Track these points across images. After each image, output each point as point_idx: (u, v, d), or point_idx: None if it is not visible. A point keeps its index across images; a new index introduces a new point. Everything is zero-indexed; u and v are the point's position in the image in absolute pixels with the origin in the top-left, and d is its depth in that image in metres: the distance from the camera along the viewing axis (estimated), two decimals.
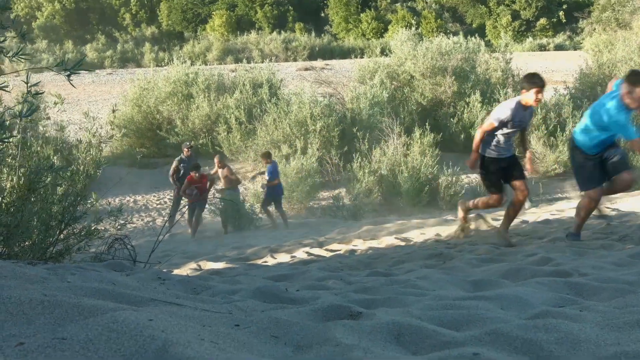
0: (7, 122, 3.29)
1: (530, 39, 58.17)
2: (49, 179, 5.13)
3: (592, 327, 2.46)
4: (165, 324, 1.87)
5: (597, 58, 19.62)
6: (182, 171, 13.63)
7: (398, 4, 68.80)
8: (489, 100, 17.32)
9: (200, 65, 23.83)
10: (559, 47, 55.46)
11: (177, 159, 14.04)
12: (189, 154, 13.85)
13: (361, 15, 65.46)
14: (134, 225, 14.48)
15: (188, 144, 14.28)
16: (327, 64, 41.44)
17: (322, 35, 60.04)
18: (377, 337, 2.39)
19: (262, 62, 23.66)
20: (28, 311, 1.92)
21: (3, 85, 3.62)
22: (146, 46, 54.70)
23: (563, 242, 6.77)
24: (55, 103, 5.60)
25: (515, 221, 9.51)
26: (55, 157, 5.47)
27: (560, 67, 34.34)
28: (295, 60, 49.81)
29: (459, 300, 3.40)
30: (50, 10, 67.22)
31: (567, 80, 21.58)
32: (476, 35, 22.90)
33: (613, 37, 23.01)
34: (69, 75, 3.24)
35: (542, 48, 55.11)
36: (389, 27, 60.16)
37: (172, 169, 13.93)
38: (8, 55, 3.50)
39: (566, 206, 10.97)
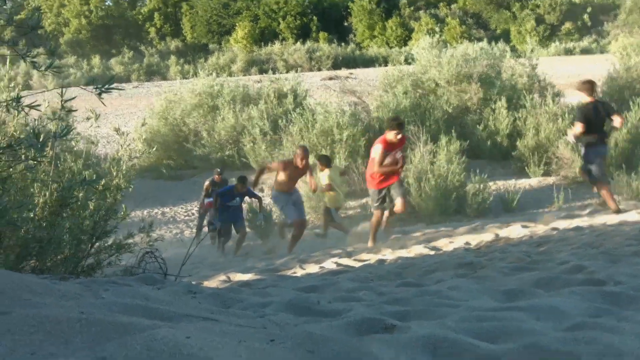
0: (42, 140, 3.32)
1: (556, 43, 57.71)
2: (81, 193, 5.18)
3: (632, 339, 2.42)
4: (202, 342, 1.87)
5: (625, 61, 19.38)
6: (212, 193, 13.75)
7: (421, 11, 68.71)
8: (515, 106, 17.18)
9: (225, 76, 23.97)
10: (585, 51, 54.94)
11: (209, 179, 14.19)
12: (219, 180, 14.03)
13: (387, 22, 65.50)
14: (162, 237, 14.57)
15: (219, 170, 14.45)
16: (351, 73, 41.46)
17: (346, 44, 60.12)
18: (413, 352, 2.37)
19: (287, 72, 23.74)
20: (65, 330, 1.93)
21: (34, 103, 3.67)
22: (171, 59, 55.19)
23: (595, 249, 6.69)
24: (88, 118, 5.67)
25: (546, 228, 9.44)
26: (86, 172, 5.52)
27: (586, 71, 34.00)
28: (319, 69, 49.92)
29: (492, 311, 3.36)
30: (76, 25, 68.20)
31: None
32: (501, 40, 22.79)
33: None
34: (100, 94, 3.27)
35: (568, 52, 54.64)
36: (413, 35, 60.10)
37: (204, 189, 14.11)
38: (41, 70, 3.54)
39: (596, 213, 10.85)
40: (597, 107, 10.33)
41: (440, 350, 2.40)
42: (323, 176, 12.55)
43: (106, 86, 3.14)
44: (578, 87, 10.75)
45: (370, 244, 10.24)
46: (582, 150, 10.62)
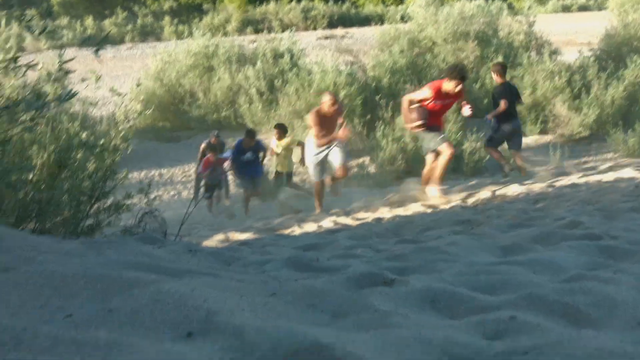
0: (42, 101, 3.33)
1: (554, 0, 57.24)
2: (79, 155, 5.19)
3: (628, 289, 2.47)
4: (206, 295, 1.90)
5: (622, 18, 19.25)
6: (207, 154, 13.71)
7: None
8: (512, 64, 17.12)
9: (220, 36, 23.79)
10: (582, 8, 54.45)
11: (205, 141, 14.08)
12: (215, 142, 13.93)
13: None
14: (161, 198, 14.61)
15: (216, 132, 14.37)
16: (347, 32, 41.13)
17: (342, 2, 59.50)
18: (412, 303, 2.41)
19: (282, 32, 23.55)
20: (72, 285, 1.96)
21: (31, 63, 3.66)
22: (165, 19, 54.53)
23: (591, 205, 6.74)
24: (84, 80, 5.66)
25: (543, 185, 9.49)
26: (83, 133, 5.51)
27: (584, 28, 33.79)
28: (315, 29, 49.45)
29: (490, 265, 3.41)
30: None
31: (591, 42, 21.27)
32: None
33: None
34: (96, 50, 3.25)
35: (566, 9, 54.19)
36: None
37: (200, 151, 14.02)
38: (34, 33, 3.52)
39: (593, 169, 10.89)
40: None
41: (439, 302, 2.44)
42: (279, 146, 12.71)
43: (100, 43, 3.12)
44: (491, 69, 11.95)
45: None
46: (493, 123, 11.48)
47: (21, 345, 1.45)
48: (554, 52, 18.06)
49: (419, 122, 8.94)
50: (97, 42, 3.09)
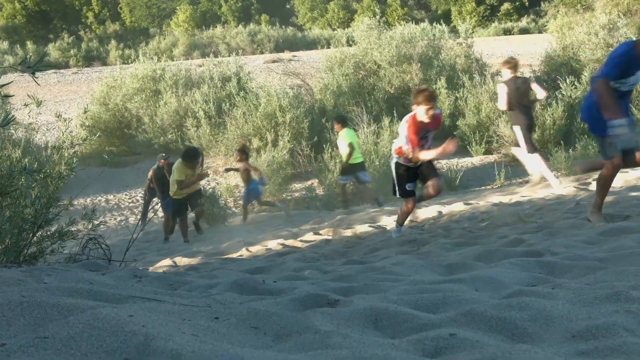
0: None
1: (496, 23, 58.66)
2: (21, 181, 5.08)
3: (564, 304, 2.53)
4: (146, 319, 1.88)
5: (562, 40, 19.78)
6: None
7: None
8: (455, 86, 17.42)
9: (166, 61, 23.68)
10: (523, 31, 55.97)
11: (152, 168, 13.77)
12: (164, 165, 13.62)
13: (329, 4, 65.56)
14: (107, 224, 14.38)
15: (164, 155, 14.11)
16: (294, 56, 41.40)
17: (288, 26, 59.89)
18: (355, 323, 2.43)
19: (229, 55, 23.56)
20: (7, 313, 1.92)
21: None
22: (111, 43, 54.11)
23: (535, 222, 6.87)
24: (26, 105, 5.55)
25: (488, 204, 9.64)
26: (26, 160, 5.41)
27: (525, 50, 34.64)
28: (262, 52, 49.68)
29: (434, 284, 3.45)
30: (10, 10, 66.22)
31: (532, 64, 21.78)
32: (441, 21, 23.00)
33: (577, 19, 23.24)
34: (33, 73, 3.19)
35: (507, 32, 55.58)
36: (355, 16, 60.22)
37: (148, 177, 13.73)
38: None
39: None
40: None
41: (382, 322, 2.47)
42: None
43: (38, 65, 3.06)
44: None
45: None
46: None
47: None
48: (495, 74, 18.43)
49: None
50: (33, 64, 3.03)
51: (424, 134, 7.05)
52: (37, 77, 3.12)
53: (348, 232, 8.84)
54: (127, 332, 1.74)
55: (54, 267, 3.97)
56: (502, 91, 10.30)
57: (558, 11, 33.85)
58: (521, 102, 10.29)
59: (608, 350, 2.02)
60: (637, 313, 2.37)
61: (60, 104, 27.92)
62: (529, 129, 10.42)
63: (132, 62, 23.99)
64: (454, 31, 22.91)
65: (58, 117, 6.43)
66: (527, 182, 13.21)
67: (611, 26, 18.28)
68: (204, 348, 1.71)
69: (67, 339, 1.70)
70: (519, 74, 10.71)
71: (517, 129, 10.41)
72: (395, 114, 15.59)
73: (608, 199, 7.82)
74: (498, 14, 62.91)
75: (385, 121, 15.04)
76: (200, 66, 24.45)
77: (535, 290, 2.96)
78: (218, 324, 2.19)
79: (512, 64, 10.46)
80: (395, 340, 2.21)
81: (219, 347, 1.79)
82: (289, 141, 15.41)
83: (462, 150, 16.64)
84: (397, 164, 7.30)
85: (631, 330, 2.21)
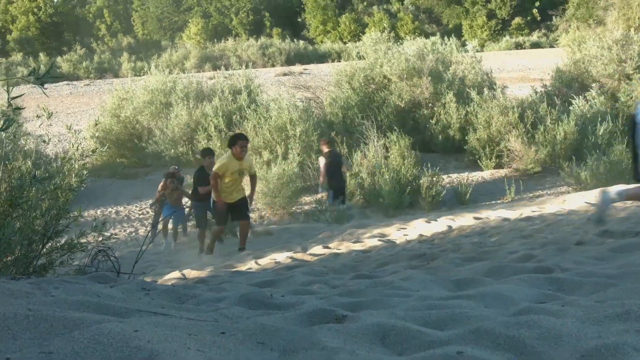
0: None
1: (507, 37, 58.70)
2: (32, 192, 5.10)
3: (573, 322, 2.50)
4: (151, 334, 1.88)
5: (573, 55, 19.77)
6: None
7: (375, 7, 69.05)
8: (466, 100, 17.40)
9: (178, 73, 23.78)
10: (535, 45, 56.00)
11: (163, 180, 13.78)
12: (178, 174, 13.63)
13: (341, 17, 65.82)
14: (117, 236, 14.40)
15: (175, 167, 14.12)
16: (305, 69, 41.53)
17: (299, 40, 60.12)
18: (362, 340, 2.41)
19: (240, 68, 23.63)
20: (13, 326, 1.92)
21: None
22: (124, 56, 54.44)
23: (545, 238, 6.83)
24: (39, 116, 5.57)
25: (498, 218, 9.60)
26: (37, 171, 5.43)
27: (536, 64, 34.63)
28: (273, 65, 49.86)
29: (442, 300, 3.43)
30: (24, 22, 66.78)
31: (543, 78, 21.76)
32: (452, 35, 23.03)
33: (588, 33, 23.21)
34: (42, 84, 3.19)
35: (519, 46, 55.60)
36: (366, 30, 60.42)
37: (159, 190, 13.72)
38: None
39: (547, 203, 11.07)
40: None
41: (389, 338, 2.45)
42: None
43: (45, 76, 3.06)
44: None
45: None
46: None
47: None
48: (505, 88, 18.42)
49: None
50: (42, 76, 3.03)
51: None
52: (46, 89, 3.12)
53: (357, 246, 8.82)
54: (132, 348, 1.74)
55: (63, 279, 3.97)
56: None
57: (570, 25, 33.83)
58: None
59: None
60: None
61: (72, 116, 28.09)
62: None
63: (144, 75, 24.11)
64: (464, 45, 22.96)
65: (69, 128, 6.45)
66: (537, 197, 13.17)
67: (625, 41, 18.24)
68: None
69: (72, 354, 1.69)
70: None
71: None
72: (396, 129, 15.67)
73: (619, 214, 7.79)
74: (509, 28, 62.94)
75: (394, 135, 15.03)
76: (212, 79, 24.54)
77: (545, 308, 2.93)
78: (224, 339, 2.18)
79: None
80: (403, 358, 2.20)
81: None
82: (299, 154, 15.41)
83: (473, 165, 16.61)
84: None
85: None
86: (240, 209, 10.12)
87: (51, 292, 2.89)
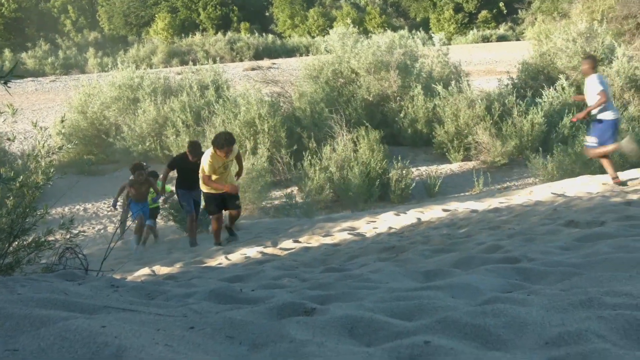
0: None
1: (474, 30, 59.13)
2: None
3: (538, 310, 2.55)
4: (119, 330, 1.87)
5: (539, 48, 19.99)
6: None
7: (342, 1, 69.12)
8: (433, 93, 17.51)
9: (145, 68, 23.60)
10: (501, 38, 56.49)
11: (131, 177, 13.62)
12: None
13: (309, 11, 65.77)
14: (85, 234, 14.25)
15: (144, 163, 13.99)
16: (273, 63, 41.44)
17: (268, 34, 59.92)
18: (330, 332, 2.43)
19: (208, 63, 23.50)
20: None
21: None
22: (90, 51, 53.76)
23: (512, 229, 6.91)
24: (1, 113, 5.50)
25: (466, 210, 9.69)
26: (2, 170, 5.35)
27: (503, 57, 34.94)
28: (241, 60, 49.66)
29: (410, 291, 3.46)
30: None
31: (510, 71, 21.97)
32: (420, 29, 23.16)
33: (554, 26, 23.44)
34: (5, 83, 3.15)
35: (486, 39, 56.03)
36: (334, 24, 60.42)
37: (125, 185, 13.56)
38: None
39: (514, 194, 11.19)
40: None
41: (357, 330, 2.47)
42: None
43: (8, 74, 3.02)
44: None
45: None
46: None
47: None
48: (468, 79, 18.58)
49: None
50: (5, 75, 2.99)
51: None
52: (9, 87, 3.08)
53: (327, 240, 8.84)
54: (99, 344, 1.73)
55: (30, 277, 3.93)
56: None
57: (535, 19, 34.17)
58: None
59: (579, 357, 2.04)
60: (610, 319, 2.39)
61: (38, 112, 27.70)
62: None
63: (110, 70, 23.88)
64: (432, 38, 23.07)
65: (34, 125, 6.37)
66: (505, 188, 13.31)
67: (589, 34, 18.48)
68: (176, 359, 1.70)
69: (38, 351, 1.68)
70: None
71: None
72: (366, 122, 15.71)
73: (584, 204, 7.91)
74: (476, 22, 63.44)
75: (362, 129, 15.06)
76: (179, 74, 24.40)
77: (511, 297, 2.98)
78: (193, 334, 2.18)
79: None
80: (371, 349, 2.22)
81: (192, 357, 1.78)
82: (268, 149, 15.40)
83: (441, 157, 16.73)
84: None
85: (603, 336, 2.23)
86: (230, 199, 10.06)
87: (17, 290, 2.86)
